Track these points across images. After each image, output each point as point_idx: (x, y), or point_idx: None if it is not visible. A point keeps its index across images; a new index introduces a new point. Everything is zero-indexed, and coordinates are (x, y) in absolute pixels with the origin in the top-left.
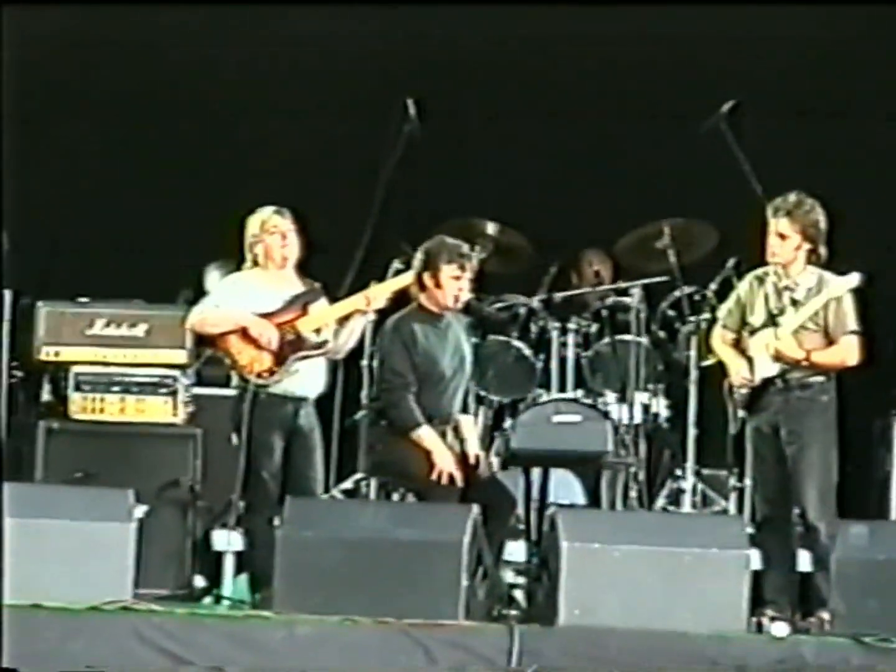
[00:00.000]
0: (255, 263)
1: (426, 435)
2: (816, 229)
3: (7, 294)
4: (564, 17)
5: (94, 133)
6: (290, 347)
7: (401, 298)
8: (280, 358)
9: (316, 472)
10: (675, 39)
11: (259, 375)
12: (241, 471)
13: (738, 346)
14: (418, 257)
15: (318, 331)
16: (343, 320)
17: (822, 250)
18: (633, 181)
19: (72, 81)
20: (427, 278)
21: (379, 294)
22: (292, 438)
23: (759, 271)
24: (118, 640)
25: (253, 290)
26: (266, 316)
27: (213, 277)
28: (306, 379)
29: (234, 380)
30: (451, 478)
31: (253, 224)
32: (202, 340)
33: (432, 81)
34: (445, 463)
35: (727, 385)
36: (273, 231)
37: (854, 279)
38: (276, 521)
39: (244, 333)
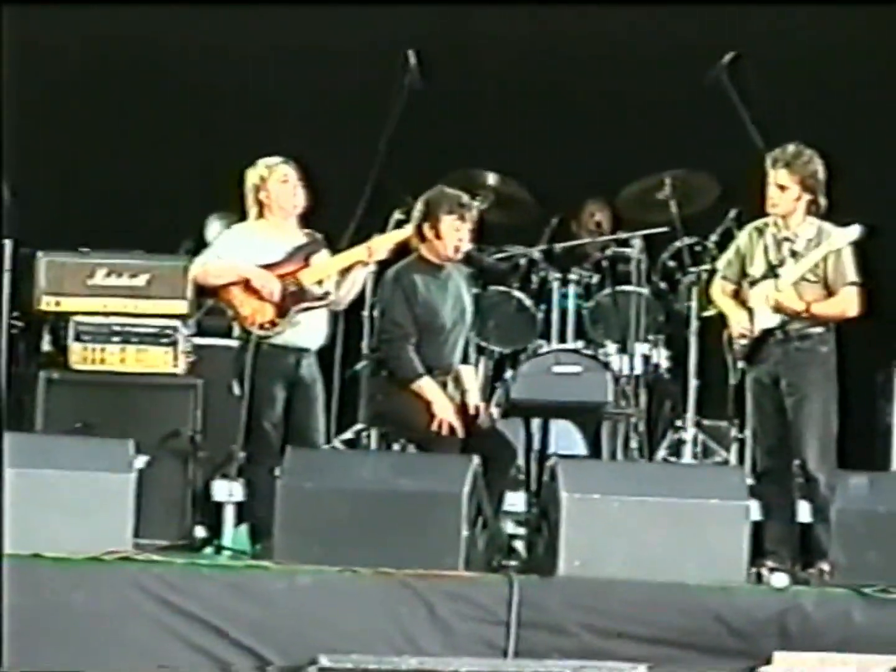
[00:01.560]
0: (261, 214)
1: (427, 386)
2: (815, 180)
3: (7, 244)
4: None
5: (97, 84)
6: (293, 299)
7: (402, 250)
8: (282, 309)
9: (317, 423)
10: None
11: (261, 327)
12: (243, 421)
13: (738, 297)
14: (418, 208)
15: (320, 282)
16: (345, 272)
17: (822, 201)
18: (635, 132)
19: (77, 38)
20: (427, 229)
21: (381, 245)
22: (294, 389)
23: (759, 222)
24: (119, 590)
25: (255, 241)
26: (268, 267)
27: (214, 228)
28: (308, 330)
29: (236, 331)
30: (452, 428)
31: (258, 173)
32: (203, 291)
33: (433, 32)
34: (446, 413)
35: (727, 336)
36: (284, 180)
37: (854, 231)
38: (277, 472)
39: (246, 285)
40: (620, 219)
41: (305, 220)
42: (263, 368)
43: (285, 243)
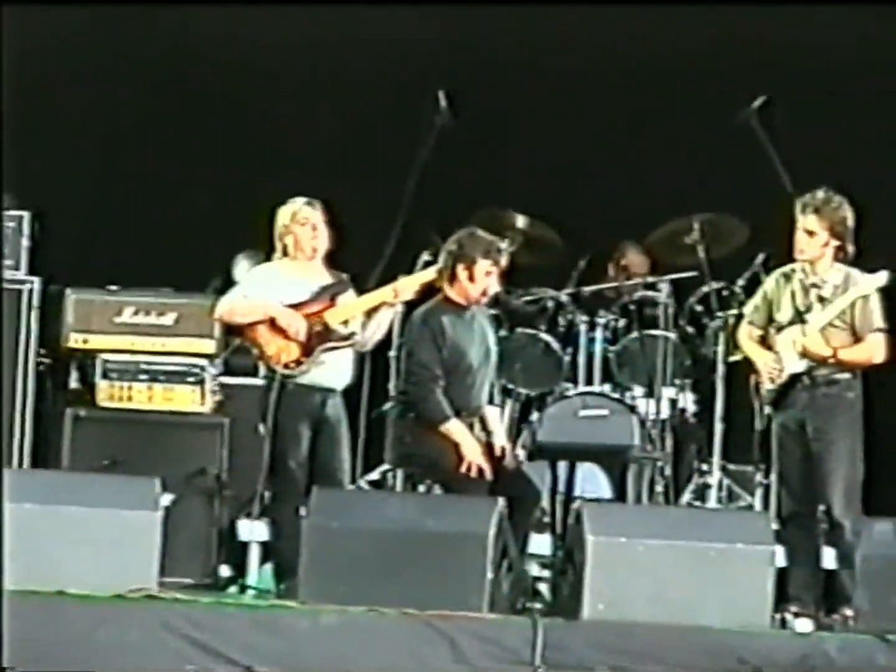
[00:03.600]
0: (285, 254)
1: (455, 428)
2: (844, 226)
3: (36, 281)
4: (596, 9)
5: (127, 120)
6: (318, 338)
7: (427, 290)
8: (307, 349)
9: (342, 463)
10: (707, 34)
11: (286, 366)
12: (268, 460)
13: (765, 342)
14: (450, 248)
15: (345, 322)
16: (370, 312)
17: (850, 247)
18: (665, 175)
19: (107, 70)
20: (461, 270)
21: (407, 286)
22: (319, 429)
23: (787, 268)
24: (144, 628)
25: (282, 280)
26: (294, 306)
27: (242, 267)
28: (333, 370)
29: (262, 370)
30: (480, 470)
31: (283, 215)
32: (230, 330)
33: (463, 73)
34: (474, 455)
35: (753, 381)
36: (304, 222)
37: (882, 277)
38: (303, 511)
39: (272, 324)
40: (656, 263)
41: (332, 259)
42: (289, 408)
43: (311, 283)
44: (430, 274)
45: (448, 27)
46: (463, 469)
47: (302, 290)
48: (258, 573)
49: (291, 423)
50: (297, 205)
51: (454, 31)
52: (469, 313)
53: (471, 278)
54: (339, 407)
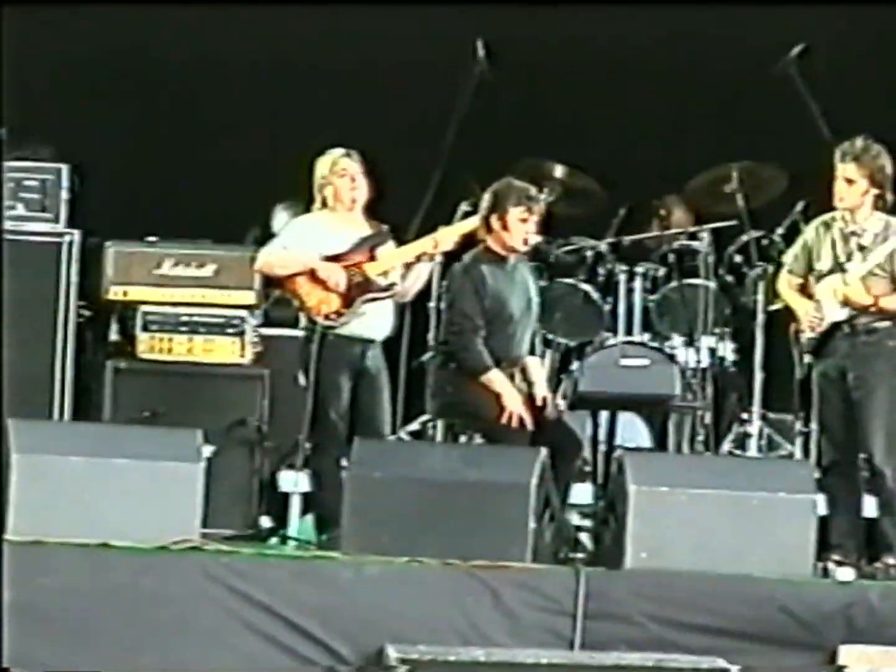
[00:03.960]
0: (324, 205)
1: (496, 378)
2: (883, 174)
3: (76, 234)
4: None
5: (160, 74)
6: (358, 290)
7: (468, 241)
8: (347, 300)
9: (383, 414)
10: None
11: (327, 317)
12: (309, 412)
13: (805, 291)
14: (486, 199)
15: (385, 273)
16: (410, 263)
17: (889, 196)
18: (704, 124)
19: (142, 21)
20: (494, 220)
21: (447, 237)
22: (359, 380)
23: (826, 217)
24: (186, 578)
25: (321, 231)
26: (334, 258)
27: (281, 218)
28: (374, 321)
29: (302, 321)
30: (521, 420)
31: (322, 166)
32: (270, 281)
33: (502, 23)
34: (515, 405)
35: (793, 329)
36: (343, 174)
37: None
38: (344, 462)
39: (312, 275)
40: (700, 217)
41: (372, 210)
42: (329, 359)
43: (351, 234)
44: (470, 224)
45: None
46: (504, 419)
47: (341, 242)
48: (299, 524)
49: (332, 374)
50: (336, 156)
51: None
52: (510, 264)
53: (505, 227)
54: (380, 358)
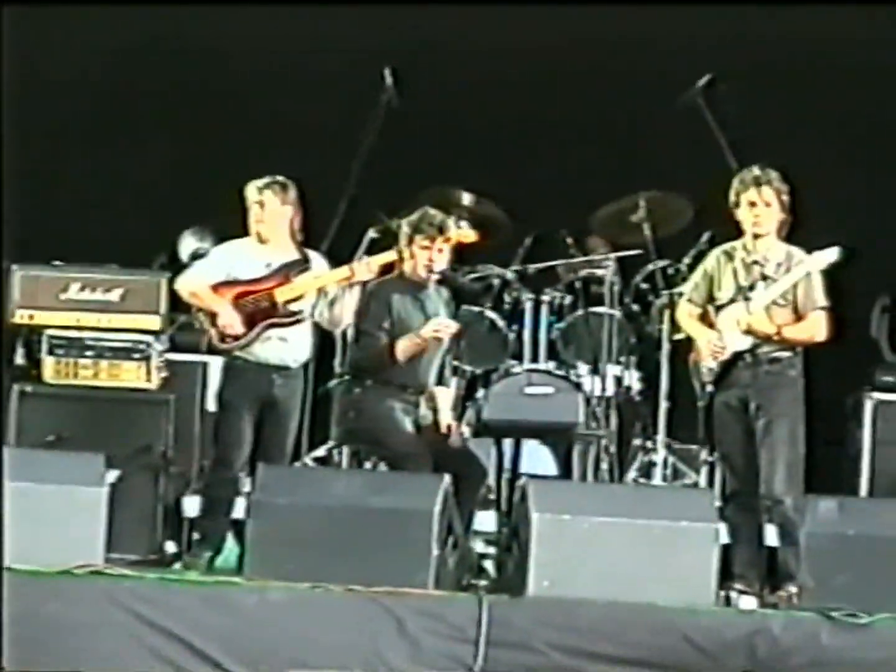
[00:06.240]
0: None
1: (400, 344)
2: (788, 199)
3: None
4: None
5: (77, 98)
6: (262, 315)
7: (386, 271)
8: (250, 324)
9: (288, 441)
10: (653, 13)
11: (223, 339)
12: (211, 437)
13: (705, 320)
14: (394, 226)
15: (297, 299)
16: (322, 291)
17: (788, 223)
18: (611, 153)
19: (57, 43)
20: (403, 247)
21: (363, 267)
22: (265, 407)
23: (727, 246)
24: (90, 603)
25: (241, 257)
26: (248, 282)
27: (188, 243)
28: (285, 347)
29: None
30: (423, 449)
31: (246, 194)
32: (177, 305)
33: (410, 51)
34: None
35: (692, 360)
36: (251, 204)
37: (834, 253)
38: (248, 488)
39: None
40: (607, 244)
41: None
42: (235, 386)
43: (272, 260)
44: (387, 256)
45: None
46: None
47: (259, 267)
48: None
49: (235, 400)
50: (252, 185)
51: (401, 10)
52: (424, 293)
53: (412, 255)
54: (293, 384)
